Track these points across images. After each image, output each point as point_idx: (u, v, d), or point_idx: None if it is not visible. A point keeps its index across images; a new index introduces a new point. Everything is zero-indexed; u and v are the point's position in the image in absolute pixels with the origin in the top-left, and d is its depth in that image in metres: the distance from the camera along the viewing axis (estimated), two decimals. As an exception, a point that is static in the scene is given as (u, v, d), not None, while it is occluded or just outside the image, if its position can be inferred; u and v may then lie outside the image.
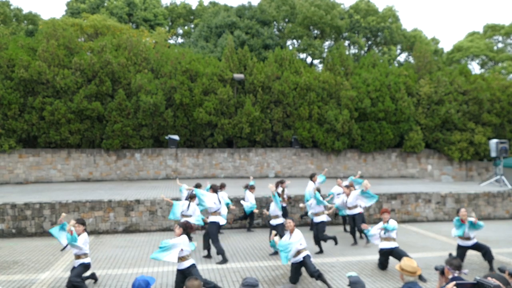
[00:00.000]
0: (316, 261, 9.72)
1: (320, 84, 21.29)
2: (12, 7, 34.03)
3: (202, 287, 4.13)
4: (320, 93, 21.20)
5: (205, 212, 10.82)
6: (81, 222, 7.76)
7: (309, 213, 10.93)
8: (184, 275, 7.05)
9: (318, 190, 10.42)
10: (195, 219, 10.14)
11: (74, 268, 7.68)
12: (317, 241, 10.39)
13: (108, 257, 10.03)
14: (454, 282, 3.56)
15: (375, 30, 35.87)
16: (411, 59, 36.90)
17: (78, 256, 7.66)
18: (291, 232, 8.03)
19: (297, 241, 7.89)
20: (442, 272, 4.85)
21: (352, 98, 20.79)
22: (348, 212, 11.48)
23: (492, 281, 3.37)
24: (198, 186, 11.15)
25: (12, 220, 12.46)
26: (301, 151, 21.33)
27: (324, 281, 7.69)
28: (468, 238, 9.20)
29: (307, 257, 7.88)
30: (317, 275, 7.68)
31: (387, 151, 22.06)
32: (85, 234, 7.71)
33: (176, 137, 19.88)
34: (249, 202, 12.03)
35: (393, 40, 36.36)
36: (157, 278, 8.44)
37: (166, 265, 9.34)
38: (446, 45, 60.63)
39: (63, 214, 8.06)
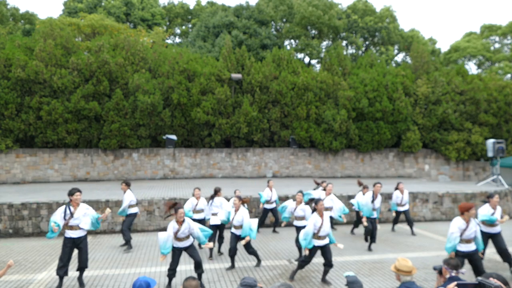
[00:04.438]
0: (313, 260, 9.72)
1: (317, 84, 21.32)
2: (9, 7, 33.90)
3: (199, 287, 4.13)
4: (317, 93, 21.23)
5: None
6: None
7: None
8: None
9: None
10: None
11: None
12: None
13: (105, 257, 10.00)
14: (455, 282, 3.56)
15: (372, 30, 35.94)
16: (408, 59, 36.99)
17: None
18: (322, 215, 8.11)
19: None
20: (440, 272, 4.86)
21: (350, 98, 20.83)
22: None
23: (494, 281, 3.38)
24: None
25: (9, 220, 12.41)
26: (298, 151, 21.35)
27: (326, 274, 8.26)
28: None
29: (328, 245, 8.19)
30: (331, 266, 8.14)
31: (385, 151, 22.11)
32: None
33: (173, 137, 19.86)
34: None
35: (390, 40, 36.45)
36: (156, 278, 8.43)
37: (165, 265, 9.33)
38: (443, 45, 61.03)
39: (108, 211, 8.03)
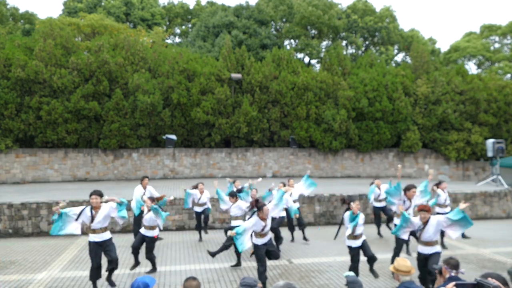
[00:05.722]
0: (313, 260, 9.75)
1: (317, 84, 21.32)
2: (8, 6, 33.88)
3: (200, 287, 4.13)
4: (317, 93, 21.23)
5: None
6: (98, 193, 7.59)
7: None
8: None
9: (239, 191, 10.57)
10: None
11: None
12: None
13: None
14: (454, 283, 3.56)
15: (372, 30, 35.93)
16: (408, 59, 36.98)
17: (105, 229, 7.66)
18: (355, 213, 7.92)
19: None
20: (440, 272, 4.86)
21: (350, 98, 20.83)
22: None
23: (492, 281, 3.37)
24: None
25: (9, 220, 12.41)
26: (298, 151, 21.34)
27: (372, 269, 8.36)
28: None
29: (365, 241, 8.07)
30: (374, 259, 8.08)
31: (384, 151, 22.11)
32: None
33: (173, 136, 19.86)
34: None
35: (390, 40, 36.44)
36: (156, 278, 8.41)
37: (164, 265, 9.33)
38: (443, 45, 60.91)
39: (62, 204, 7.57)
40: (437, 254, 6.95)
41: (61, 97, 18.74)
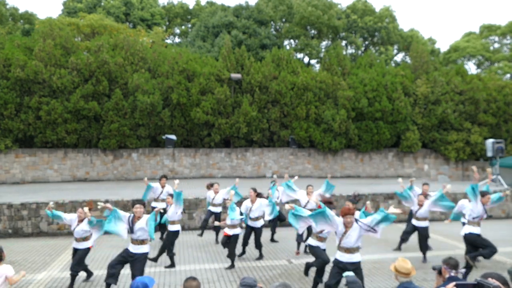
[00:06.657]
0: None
1: (317, 84, 21.32)
2: (8, 7, 33.86)
3: (200, 287, 4.12)
4: (317, 93, 21.23)
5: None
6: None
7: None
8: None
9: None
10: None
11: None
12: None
13: (105, 257, 10.00)
14: (454, 283, 3.55)
15: (372, 30, 35.94)
16: (408, 59, 36.98)
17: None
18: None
19: None
20: (439, 272, 4.87)
21: (349, 98, 20.83)
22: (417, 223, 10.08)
23: (492, 281, 3.37)
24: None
25: (8, 220, 12.40)
26: (298, 151, 21.35)
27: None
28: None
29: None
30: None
31: (384, 151, 22.12)
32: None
33: (173, 137, 19.86)
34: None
35: (390, 40, 36.45)
36: (155, 278, 8.42)
37: (164, 265, 9.32)
38: (443, 45, 60.82)
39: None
40: (358, 263, 6.22)
41: (60, 97, 18.73)
